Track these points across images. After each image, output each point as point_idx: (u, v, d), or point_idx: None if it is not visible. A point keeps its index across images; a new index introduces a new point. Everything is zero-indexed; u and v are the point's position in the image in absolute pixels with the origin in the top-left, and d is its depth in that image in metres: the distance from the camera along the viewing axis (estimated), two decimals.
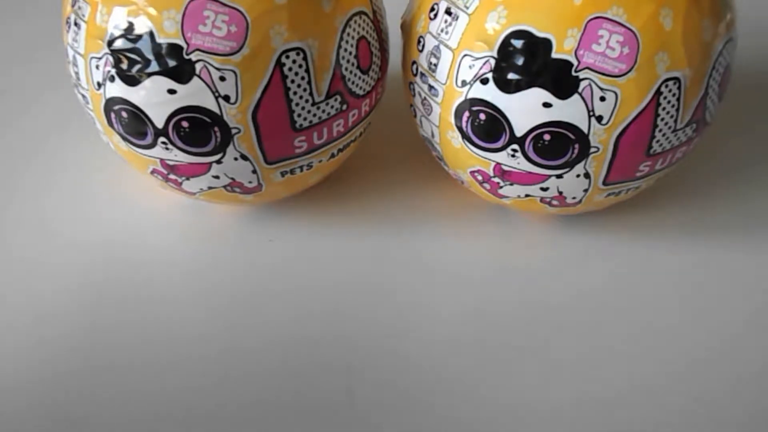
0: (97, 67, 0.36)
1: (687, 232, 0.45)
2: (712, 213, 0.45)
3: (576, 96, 0.34)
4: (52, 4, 0.47)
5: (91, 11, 0.35)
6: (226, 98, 0.35)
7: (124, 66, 0.35)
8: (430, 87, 0.38)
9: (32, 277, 0.42)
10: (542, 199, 0.40)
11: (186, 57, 0.34)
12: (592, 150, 0.36)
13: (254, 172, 0.39)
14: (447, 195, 0.46)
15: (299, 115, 0.37)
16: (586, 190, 0.39)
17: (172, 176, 0.39)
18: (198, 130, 0.36)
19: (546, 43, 0.34)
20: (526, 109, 0.35)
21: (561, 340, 0.39)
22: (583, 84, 0.34)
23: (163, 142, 0.37)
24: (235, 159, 0.38)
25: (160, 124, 0.36)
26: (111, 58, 0.35)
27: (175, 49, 0.34)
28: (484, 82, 0.36)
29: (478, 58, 0.36)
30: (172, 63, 0.34)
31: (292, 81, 0.36)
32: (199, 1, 0.34)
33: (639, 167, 0.38)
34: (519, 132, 0.36)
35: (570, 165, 0.37)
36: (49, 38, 0.50)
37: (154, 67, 0.34)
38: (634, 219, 0.45)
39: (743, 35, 0.39)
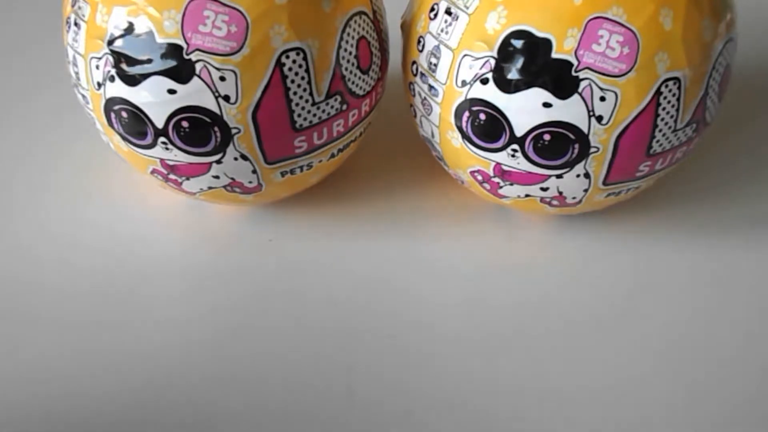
0: (97, 67, 0.36)
1: (687, 232, 0.45)
2: (713, 213, 0.45)
3: (576, 96, 0.34)
4: (52, 4, 0.47)
5: (91, 11, 0.35)
6: (226, 98, 0.35)
7: (124, 66, 0.35)
8: (430, 87, 0.38)
9: (32, 277, 0.42)
10: (542, 199, 0.40)
11: (186, 57, 0.34)
12: (592, 150, 0.36)
13: (254, 172, 0.39)
14: (447, 195, 0.46)
15: (299, 115, 0.37)
16: (586, 190, 0.39)
17: (172, 176, 0.39)
18: (198, 130, 0.36)
19: (546, 43, 0.34)
20: (526, 109, 0.35)
21: (561, 340, 0.39)
22: (583, 84, 0.34)
23: (163, 142, 0.37)
24: (235, 159, 0.38)
25: (160, 124, 0.36)
26: (111, 58, 0.35)
27: (175, 49, 0.34)
28: (484, 82, 0.36)
29: (478, 58, 0.36)
30: (172, 63, 0.34)
31: (292, 81, 0.36)
32: (199, 1, 0.34)
33: (639, 167, 0.38)
34: (519, 132, 0.36)
35: (570, 165, 0.37)
36: (49, 38, 0.50)
37: (154, 67, 0.34)
38: (634, 219, 0.45)
39: (743, 35, 0.39)
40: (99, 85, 0.36)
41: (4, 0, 0.65)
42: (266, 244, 0.44)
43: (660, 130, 0.36)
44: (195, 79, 0.35)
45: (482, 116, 0.36)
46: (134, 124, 0.36)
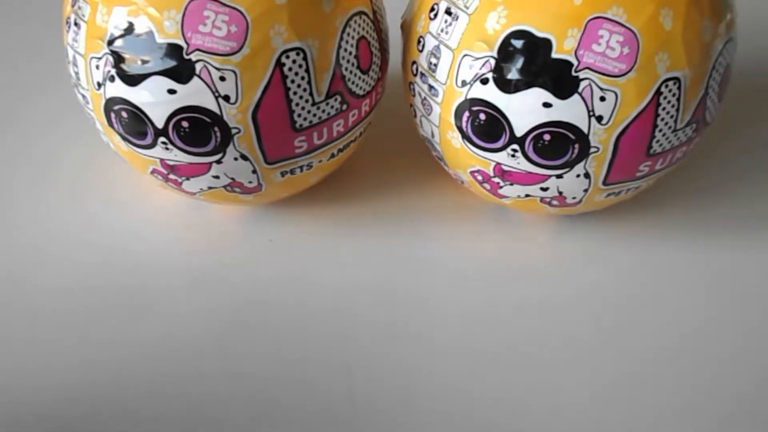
0: (97, 67, 0.36)
1: (687, 232, 0.45)
2: (712, 213, 0.45)
3: (576, 96, 0.34)
4: (52, 4, 0.47)
5: (91, 11, 0.35)
6: (226, 98, 0.35)
7: (124, 66, 0.35)
8: (430, 87, 0.38)
9: (33, 275, 0.42)
10: (542, 199, 0.40)
11: (186, 57, 0.34)
12: (592, 150, 0.36)
13: (254, 172, 0.39)
14: (447, 195, 0.46)
15: (299, 115, 0.37)
16: (586, 190, 0.39)
17: (172, 176, 0.39)
18: (198, 130, 0.36)
19: (546, 43, 0.34)
20: (526, 109, 0.35)
21: (561, 340, 0.39)
22: (583, 84, 0.34)
23: (163, 142, 0.37)
24: (235, 159, 0.38)
25: (160, 124, 0.36)
26: (111, 58, 0.35)
27: (175, 49, 0.34)
28: (484, 82, 0.36)
29: (478, 58, 0.36)
30: (172, 63, 0.34)
31: (292, 81, 0.36)
32: (199, 1, 0.34)
33: (639, 167, 0.38)
34: (519, 132, 0.36)
35: (570, 165, 0.37)
36: (49, 38, 0.50)
37: (154, 67, 0.34)
38: (634, 219, 0.45)
39: (743, 35, 0.39)
40: (99, 85, 0.36)
41: (4, 0, 0.65)
42: (266, 244, 0.44)
43: (660, 130, 0.36)
44: (195, 79, 0.35)
45: (482, 116, 0.36)
46: (134, 124, 0.36)
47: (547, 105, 0.35)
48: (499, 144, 0.37)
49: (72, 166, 0.49)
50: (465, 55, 0.36)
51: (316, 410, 0.36)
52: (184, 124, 0.36)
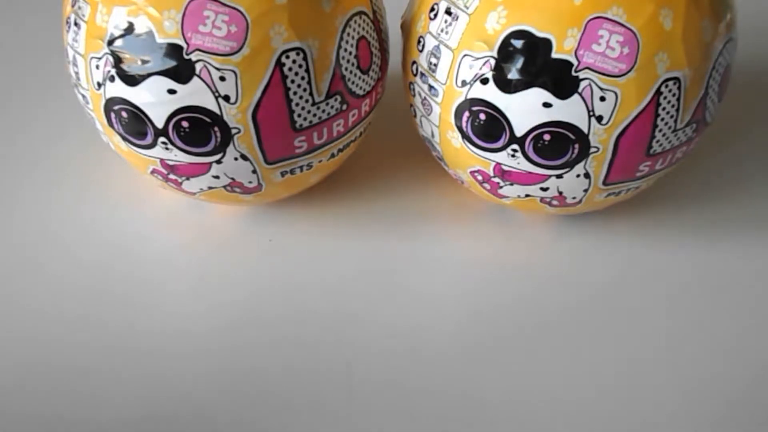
0: (97, 67, 0.36)
1: (687, 232, 0.45)
2: (712, 213, 0.45)
3: (576, 96, 0.34)
4: (52, 4, 0.47)
5: (91, 11, 0.35)
6: (226, 98, 0.35)
7: (124, 66, 0.35)
8: (430, 87, 0.38)
9: (33, 275, 0.42)
10: (542, 199, 0.40)
11: (186, 57, 0.34)
12: (592, 150, 0.36)
13: (254, 172, 0.39)
14: (447, 195, 0.46)
15: (299, 115, 0.37)
16: (586, 190, 0.39)
17: (172, 176, 0.39)
18: (198, 130, 0.36)
19: (546, 43, 0.34)
20: (526, 109, 0.35)
21: (561, 340, 0.39)
22: (583, 84, 0.34)
23: (163, 142, 0.37)
24: (235, 159, 0.38)
25: (160, 124, 0.36)
26: (111, 58, 0.35)
27: (175, 49, 0.34)
28: (484, 82, 0.36)
29: (478, 58, 0.36)
30: (172, 63, 0.34)
31: (292, 81, 0.36)
32: (199, 1, 0.34)
33: (639, 167, 0.38)
34: (519, 132, 0.36)
35: (570, 165, 0.37)
36: (49, 38, 0.50)
37: (154, 67, 0.34)
38: (634, 219, 0.45)
39: (743, 35, 0.39)
40: (99, 85, 0.36)
41: (4, 0, 0.65)
42: (266, 244, 0.44)
43: (660, 130, 0.36)
44: (195, 79, 0.35)
45: (482, 116, 0.36)
46: (134, 124, 0.36)
47: (547, 105, 0.35)
48: (499, 144, 0.37)
49: (72, 167, 0.48)
50: (465, 55, 0.36)
51: (315, 409, 0.36)
52: (184, 124, 0.36)
